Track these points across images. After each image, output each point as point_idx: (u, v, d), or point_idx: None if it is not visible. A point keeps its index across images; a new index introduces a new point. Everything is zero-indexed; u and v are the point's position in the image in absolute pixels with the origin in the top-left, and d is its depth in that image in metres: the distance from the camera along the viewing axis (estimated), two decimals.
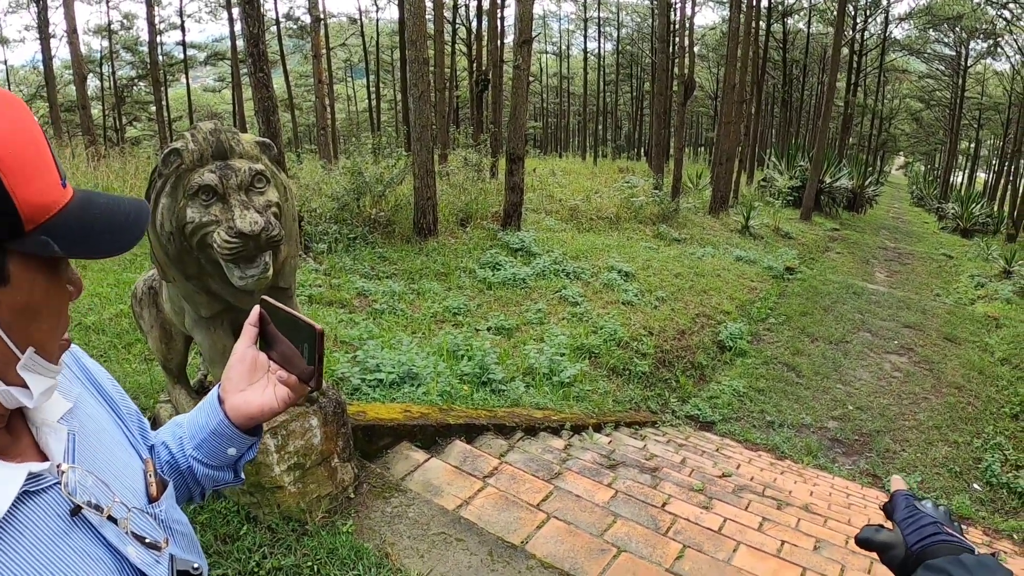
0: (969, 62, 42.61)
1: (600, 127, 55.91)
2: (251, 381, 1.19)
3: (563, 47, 59.06)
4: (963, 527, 5.12)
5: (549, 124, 62.08)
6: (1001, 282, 17.80)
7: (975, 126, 50.16)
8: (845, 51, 34.77)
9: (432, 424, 4.73)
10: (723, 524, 4.61)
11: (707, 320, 10.96)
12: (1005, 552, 6.25)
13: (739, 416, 8.96)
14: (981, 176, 61.78)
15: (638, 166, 31.65)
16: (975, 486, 8.15)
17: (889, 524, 1.12)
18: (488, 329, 8.38)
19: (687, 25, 27.41)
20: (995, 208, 36.23)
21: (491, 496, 4.02)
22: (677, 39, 26.47)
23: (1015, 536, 7.09)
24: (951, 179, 48.89)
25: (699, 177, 24.73)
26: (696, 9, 39.88)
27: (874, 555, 1.16)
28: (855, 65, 38.93)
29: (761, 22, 32.56)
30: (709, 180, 23.47)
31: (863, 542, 1.11)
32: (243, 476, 1.30)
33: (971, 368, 11.48)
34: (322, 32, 25.88)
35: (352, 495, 3.82)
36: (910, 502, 1.11)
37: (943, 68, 45.80)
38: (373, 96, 44.06)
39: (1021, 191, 31.99)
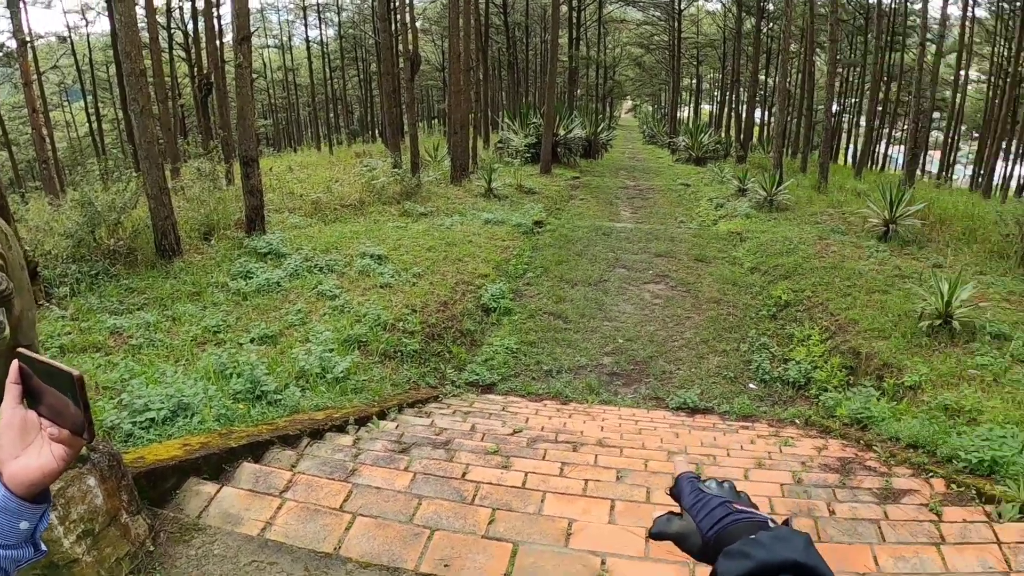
0: (683, 5, 46.00)
1: (332, 115, 55.37)
2: (25, 444, 1.11)
3: (285, 39, 57.60)
4: (752, 424, 5.57)
5: (280, 120, 60.63)
6: (738, 200, 19.48)
7: (695, 63, 54.56)
8: (564, 8, 36.48)
9: (215, 452, 4.50)
10: (525, 479, 4.74)
11: (467, 287, 11.15)
12: (792, 437, 6.87)
13: (517, 372, 9.23)
14: (706, 108, 67.25)
15: (375, 148, 31.57)
16: (751, 386, 8.96)
17: (679, 509, 1.11)
18: (252, 341, 8.11)
19: (407, 1, 27.52)
20: (722, 135, 39.52)
21: (292, 510, 3.89)
22: (399, 16, 26.55)
23: (797, 421, 7.86)
24: (678, 114, 52.62)
25: (436, 149, 25.12)
26: None
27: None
28: (575, 20, 40.93)
29: None
30: (447, 151, 23.87)
31: (657, 535, 1.10)
32: (44, 548, 1.19)
33: (725, 282, 12.54)
34: (30, 56, 23.68)
35: (152, 547, 3.58)
36: (695, 485, 1.11)
37: (659, 14, 49.11)
38: (93, 118, 40.67)
39: (744, 116, 34.99)
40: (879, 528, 4.38)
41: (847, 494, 5.09)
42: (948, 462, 5.60)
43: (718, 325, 10.76)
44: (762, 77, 41.10)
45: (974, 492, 5.03)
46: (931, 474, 5.47)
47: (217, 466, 4.48)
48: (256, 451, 4.88)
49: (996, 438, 5.67)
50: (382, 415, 6.66)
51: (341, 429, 5.95)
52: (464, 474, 4.80)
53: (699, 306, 11.55)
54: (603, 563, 3.50)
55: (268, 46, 57.09)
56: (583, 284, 12.42)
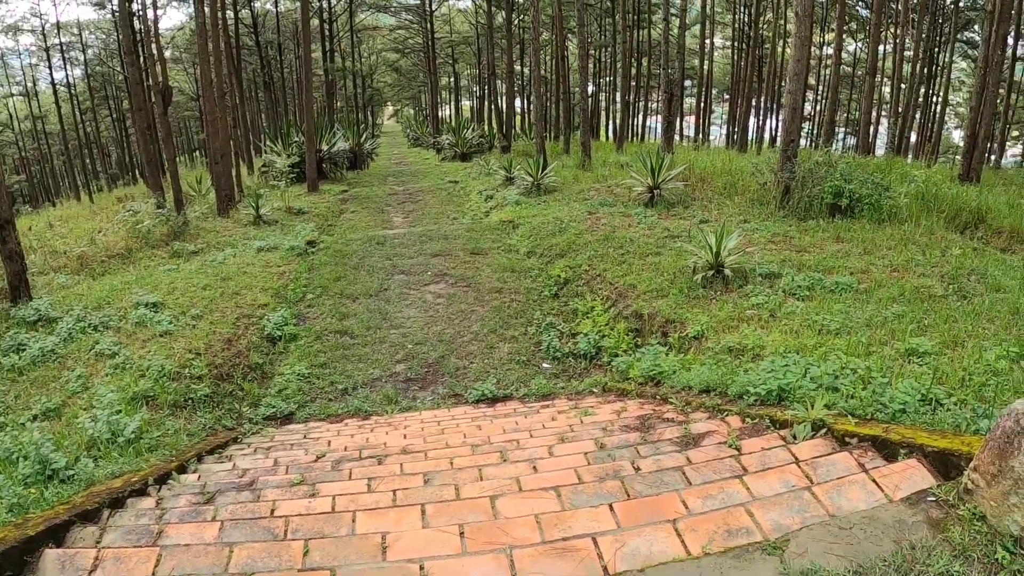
0: (434, 6, 46.69)
1: (88, 161, 52.43)
2: None
3: (29, 85, 53.74)
4: (551, 402, 5.57)
5: (34, 173, 56.54)
6: (507, 189, 19.92)
7: (451, 62, 55.55)
8: (315, 22, 36.03)
9: (13, 545, 4.05)
10: (334, 502, 4.64)
11: (249, 320, 10.77)
12: (591, 406, 7.02)
13: (313, 397, 9.03)
14: (467, 104, 68.49)
15: (137, 190, 30.06)
16: (544, 365, 9.17)
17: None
18: (35, 418, 7.50)
19: (153, 31, 26.19)
20: (485, 128, 40.31)
21: None
22: (146, 48, 25.27)
23: (595, 390, 8.06)
24: (440, 114, 53.31)
25: (200, 182, 24.26)
26: (161, 13, 38.44)
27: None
28: (328, 33, 40.66)
29: (228, 12, 32.29)
30: (211, 182, 23.04)
31: None
32: None
33: (504, 270, 12.75)
34: None
35: None
36: None
37: (411, 17, 49.73)
38: None
39: (504, 108, 35.87)
40: (684, 474, 4.53)
41: (649, 449, 5.22)
42: (740, 399, 5.88)
43: (503, 313, 10.94)
44: (518, 67, 42.37)
45: (768, 421, 5.29)
46: (726, 413, 5.72)
47: (18, 560, 4.06)
48: (57, 535, 4.47)
49: (780, 368, 6.03)
50: (182, 469, 6.28)
51: (142, 492, 5.56)
52: (273, 511, 4.62)
53: (482, 298, 11.67)
54: (422, 568, 3.46)
55: (12, 95, 54.04)
56: (364, 297, 12.25)
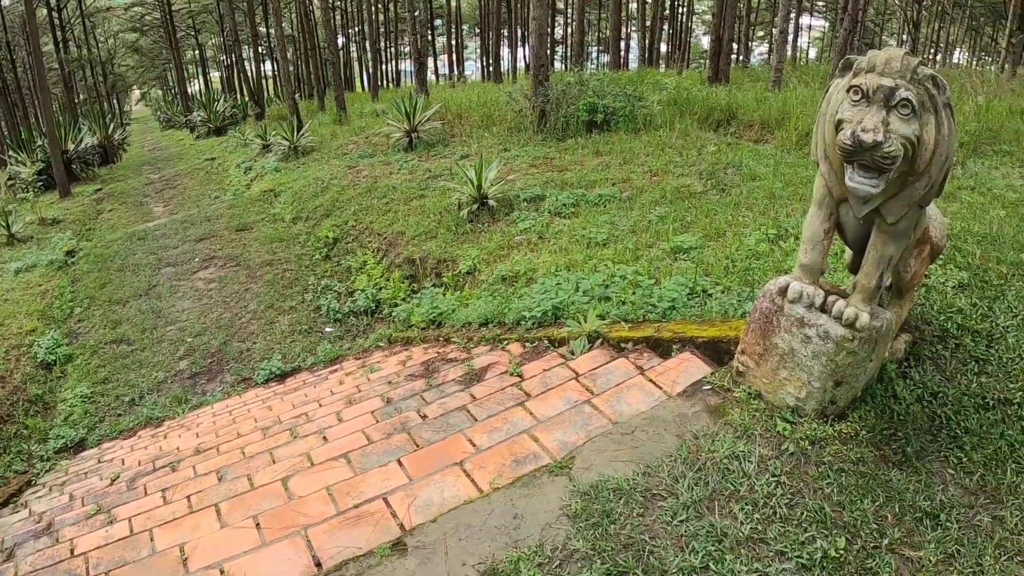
0: None
1: None
2: None
3: None
4: (340, 366, 5.33)
5: None
6: (265, 158, 19.24)
7: (193, 33, 52.46)
8: (43, 12, 33.12)
9: None
10: (131, 524, 4.40)
11: (19, 350, 9.86)
12: (377, 362, 6.88)
13: (101, 416, 8.47)
14: (216, 75, 65.32)
15: None
16: (327, 330, 9.02)
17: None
18: None
19: None
20: (238, 98, 38.66)
21: None
22: None
23: (381, 344, 7.90)
24: (188, 90, 50.56)
25: None
26: None
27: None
28: (57, 22, 37.41)
29: None
30: None
31: None
32: None
33: (272, 241, 12.34)
34: None
35: None
36: None
37: None
38: None
39: (254, 74, 34.48)
40: (469, 412, 4.51)
41: (434, 393, 5.17)
42: (518, 325, 5.88)
43: (278, 285, 10.59)
44: (263, 30, 40.70)
45: (547, 342, 5.31)
46: (507, 342, 5.70)
47: None
48: None
49: (552, 288, 6.06)
50: None
51: None
52: (72, 551, 4.29)
53: (254, 275, 11.23)
54: (222, 572, 3.29)
55: None
56: (134, 298, 11.50)
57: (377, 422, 4.87)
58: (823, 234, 3.65)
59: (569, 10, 50.76)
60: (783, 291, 3.71)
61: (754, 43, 56.08)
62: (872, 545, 3.05)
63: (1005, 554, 3.14)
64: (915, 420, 3.83)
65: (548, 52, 15.81)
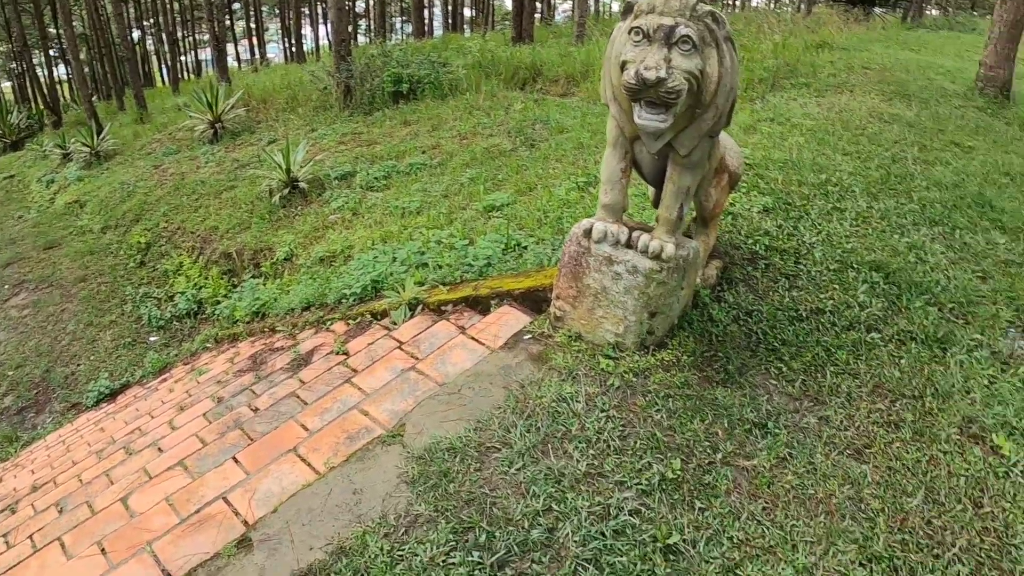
0: None
1: None
2: None
3: None
4: (169, 374, 5.16)
5: None
6: (66, 168, 18.22)
7: None
8: None
9: None
10: None
11: None
12: (206, 364, 6.72)
13: None
14: (7, 84, 60.96)
15: None
16: (152, 339, 8.74)
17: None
18: None
19: None
20: (32, 108, 36.37)
21: None
22: None
23: (208, 345, 7.70)
24: None
25: None
26: None
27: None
28: None
29: None
30: None
31: None
32: None
33: (83, 256, 11.87)
34: None
35: None
36: None
37: None
38: None
39: (46, 79, 32.59)
40: (298, 397, 4.48)
41: (264, 385, 5.11)
42: (340, 304, 5.86)
43: (95, 301, 10.16)
44: (52, 31, 38.31)
45: (369, 317, 5.31)
46: (331, 322, 5.68)
47: None
48: None
49: (369, 262, 6.08)
50: None
51: None
52: None
53: (69, 294, 10.72)
54: None
55: None
56: None
57: (210, 423, 4.79)
58: (620, 173, 3.79)
59: None
60: (588, 232, 3.84)
61: (559, 1, 56.86)
62: (707, 461, 3.24)
63: (835, 449, 3.41)
64: (733, 339, 4.06)
65: (350, 27, 15.62)
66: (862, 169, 6.32)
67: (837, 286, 4.59)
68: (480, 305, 4.71)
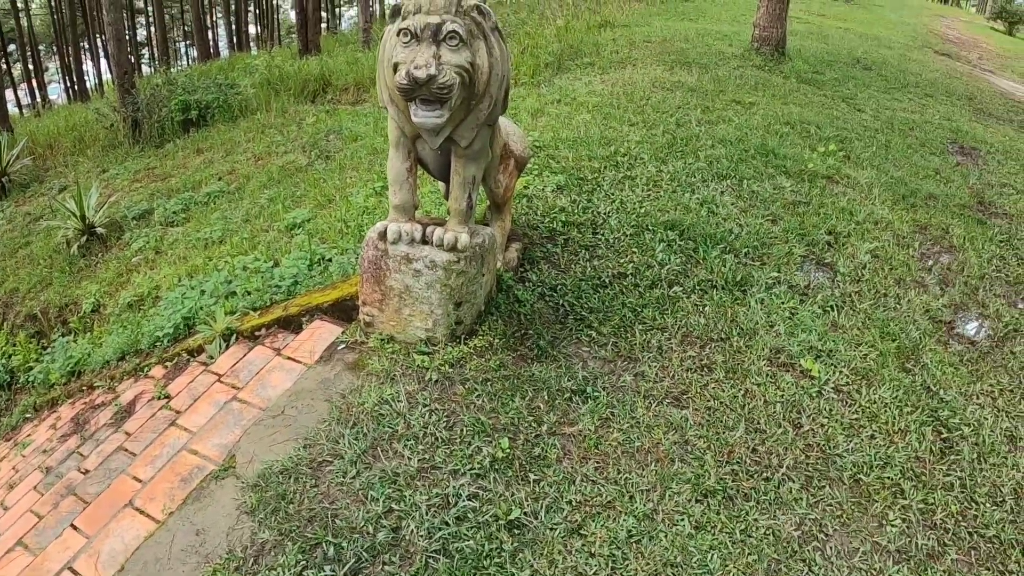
0: None
1: None
2: None
3: None
4: None
5: None
6: None
7: None
8: None
9: None
10: None
11: None
12: (27, 436, 6.39)
13: None
14: None
15: None
16: None
17: None
18: None
19: None
20: None
21: None
22: None
23: (28, 415, 7.25)
24: None
25: None
26: None
27: None
28: None
29: None
30: None
31: None
32: None
33: None
34: None
35: None
36: None
37: None
38: None
39: None
40: (126, 450, 4.36)
41: (90, 445, 4.94)
42: (154, 348, 5.70)
43: None
44: None
45: (186, 355, 5.19)
46: (147, 368, 5.51)
47: None
48: None
49: (178, 299, 5.92)
50: None
51: None
52: None
53: None
54: None
55: None
56: None
57: (42, 495, 4.58)
58: (406, 172, 3.86)
59: (149, 7, 47.96)
60: (383, 235, 3.88)
61: (343, 7, 56.26)
62: (534, 435, 3.37)
63: (655, 401, 3.61)
64: (542, 315, 4.21)
65: (132, 57, 15.04)
66: (649, 137, 6.63)
67: (636, 249, 4.82)
68: (292, 324, 4.69)
